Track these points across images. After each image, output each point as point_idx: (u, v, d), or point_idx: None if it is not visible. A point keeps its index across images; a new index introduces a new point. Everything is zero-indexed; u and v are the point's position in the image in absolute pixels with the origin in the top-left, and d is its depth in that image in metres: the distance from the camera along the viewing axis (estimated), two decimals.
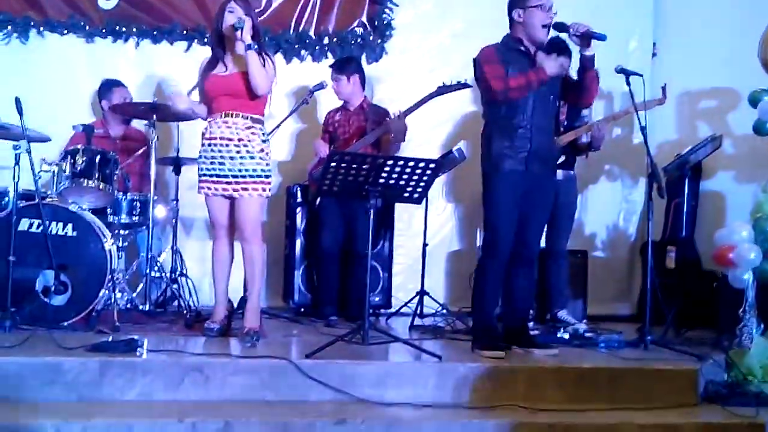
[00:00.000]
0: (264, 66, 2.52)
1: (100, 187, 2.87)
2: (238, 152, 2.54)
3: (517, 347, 2.59)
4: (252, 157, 2.55)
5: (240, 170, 2.54)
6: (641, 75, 2.85)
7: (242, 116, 2.56)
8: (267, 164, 2.59)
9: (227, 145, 2.55)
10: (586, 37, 2.44)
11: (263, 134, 2.62)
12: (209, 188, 2.60)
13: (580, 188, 3.54)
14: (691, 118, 3.84)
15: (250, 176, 2.55)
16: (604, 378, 2.40)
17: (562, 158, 3.24)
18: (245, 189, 2.55)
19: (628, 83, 2.83)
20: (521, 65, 2.50)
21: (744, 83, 3.14)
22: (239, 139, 2.55)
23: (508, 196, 2.53)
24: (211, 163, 2.58)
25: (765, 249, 2.56)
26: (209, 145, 2.58)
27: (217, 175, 2.57)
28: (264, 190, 2.57)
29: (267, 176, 2.58)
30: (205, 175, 2.60)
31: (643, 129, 2.84)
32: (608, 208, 4.07)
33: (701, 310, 3.24)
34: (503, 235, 2.55)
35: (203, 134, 2.62)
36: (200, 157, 2.62)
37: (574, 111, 3.31)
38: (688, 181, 3.57)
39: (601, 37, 2.43)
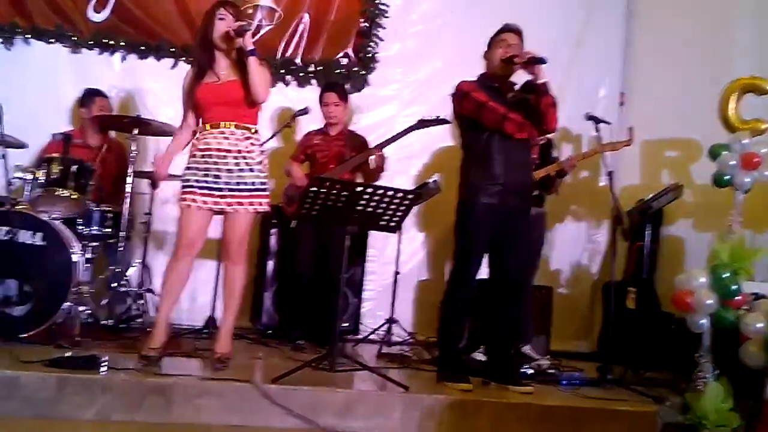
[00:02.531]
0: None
1: (73, 196, 2.83)
2: (236, 165, 2.42)
3: (495, 382, 2.62)
4: (251, 170, 2.44)
5: (238, 183, 2.42)
6: (609, 123, 3.02)
7: (239, 126, 2.45)
8: (265, 176, 2.48)
9: (225, 157, 2.42)
10: (530, 62, 2.55)
11: (261, 145, 2.53)
12: (195, 200, 2.42)
13: (547, 226, 3.66)
14: (654, 166, 4.02)
15: (248, 190, 2.43)
16: (566, 416, 2.45)
17: (534, 193, 3.35)
18: (240, 203, 2.43)
19: (597, 129, 2.98)
20: (497, 98, 2.62)
21: (706, 136, 3.32)
22: (238, 151, 2.43)
23: (479, 227, 2.59)
24: (204, 175, 2.42)
25: (721, 296, 2.67)
26: (203, 156, 2.43)
27: (210, 188, 2.41)
28: (261, 203, 2.45)
29: (265, 189, 2.47)
30: (193, 186, 2.42)
31: (609, 173, 2.98)
32: (573, 247, 4.19)
33: (659, 351, 3.34)
34: (472, 266, 2.60)
35: (194, 144, 2.48)
36: (189, 168, 2.46)
37: (544, 150, 3.44)
38: (650, 225, 3.72)
39: (541, 60, 2.53)
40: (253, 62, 2.42)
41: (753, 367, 2.59)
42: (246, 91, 2.44)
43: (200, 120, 2.51)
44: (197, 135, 2.50)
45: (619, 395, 2.69)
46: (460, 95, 2.65)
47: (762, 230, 3.27)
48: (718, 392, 2.60)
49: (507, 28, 2.67)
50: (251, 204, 2.45)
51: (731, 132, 3.13)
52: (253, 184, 2.44)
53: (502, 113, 2.58)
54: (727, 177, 3.07)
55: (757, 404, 2.19)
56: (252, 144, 2.47)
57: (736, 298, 2.67)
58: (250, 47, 2.42)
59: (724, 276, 2.69)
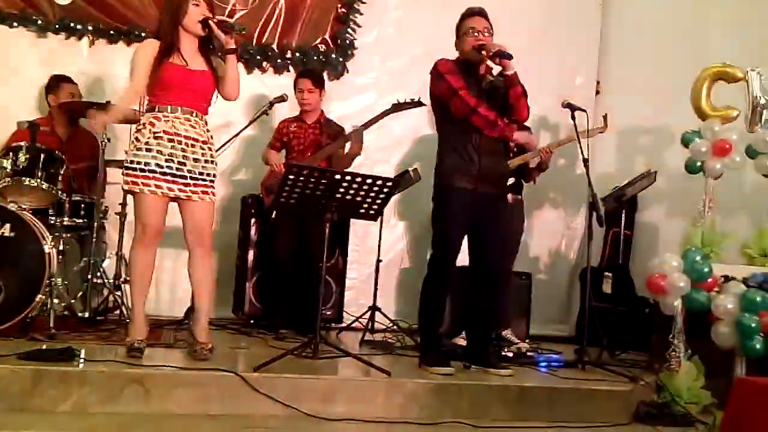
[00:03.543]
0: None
1: (43, 186, 2.75)
2: (203, 154, 2.40)
3: (475, 366, 2.65)
4: (213, 162, 2.45)
5: (201, 173, 2.39)
6: (585, 110, 3.06)
7: (203, 117, 2.44)
8: (217, 170, 2.49)
9: (193, 146, 2.38)
10: (497, 56, 2.57)
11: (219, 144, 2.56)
12: (158, 186, 2.32)
13: (526, 213, 3.70)
14: (629, 153, 4.10)
15: (211, 180, 2.43)
16: (544, 397, 2.50)
17: (511, 180, 3.39)
18: (205, 192, 2.41)
19: (573, 117, 3.02)
20: (472, 87, 2.62)
21: (678, 124, 3.40)
22: (204, 141, 2.41)
23: (456, 213, 2.60)
24: (166, 160, 2.33)
25: (693, 279, 2.76)
26: (170, 140, 2.34)
27: (173, 174, 2.34)
28: (214, 194, 2.47)
29: (214, 182, 2.47)
30: (153, 171, 2.31)
31: (585, 161, 3.03)
32: (551, 234, 4.25)
33: (634, 333, 3.43)
34: (449, 251, 2.61)
35: (153, 124, 2.34)
36: (147, 150, 2.32)
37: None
38: (624, 212, 3.80)
39: (507, 56, 2.56)
40: (232, 60, 2.41)
41: (723, 347, 2.68)
42: (217, 84, 2.42)
43: (156, 99, 2.40)
44: (156, 114, 2.37)
45: (595, 376, 2.76)
46: (437, 75, 2.64)
47: (732, 215, 3.37)
48: (691, 371, 2.69)
49: (471, 12, 2.66)
50: (213, 194, 2.45)
51: (703, 119, 3.21)
52: (213, 175, 2.45)
53: (472, 106, 2.56)
54: (698, 163, 3.15)
55: (728, 382, 2.27)
56: (212, 137, 2.48)
57: (708, 280, 2.76)
58: (232, 46, 2.40)
59: (695, 259, 2.78)
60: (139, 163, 2.33)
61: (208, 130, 2.46)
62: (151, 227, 2.37)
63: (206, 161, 2.42)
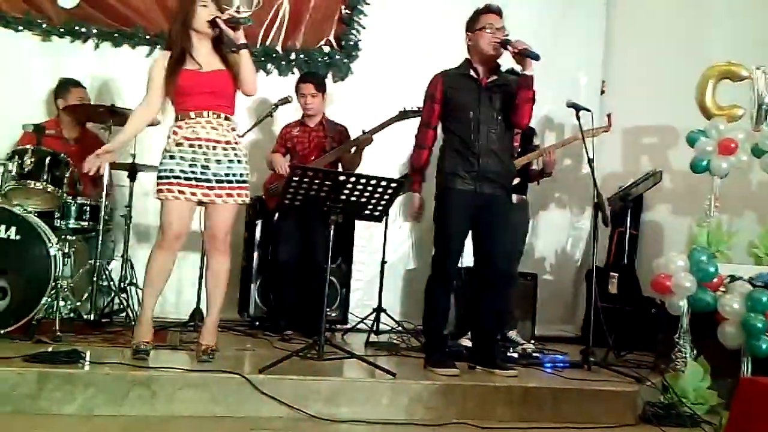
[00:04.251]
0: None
1: (48, 189, 2.77)
2: (226, 155, 2.40)
3: (480, 367, 2.65)
4: (239, 161, 2.42)
5: (226, 174, 2.39)
6: (590, 110, 3.06)
7: (225, 117, 2.42)
8: (248, 168, 2.47)
9: (215, 148, 2.38)
10: (522, 55, 2.56)
11: (241, 137, 2.53)
12: (183, 192, 2.35)
13: (531, 214, 3.69)
14: (634, 153, 4.09)
15: (237, 181, 2.41)
16: (549, 397, 2.49)
17: (516, 180, 3.38)
18: (230, 195, 2.40)
19: (578, 117, 3.02)
20: (468, 90, 2.63)
21: (683, 122, 3.38)
22: (227, 142, 2.41)
23: (456, 214, 2.60)
24: (190, 165, 2.36)
25: (699, 278, 2.74)
26: (191, 146, 2.37)
27: (197, 179, 2.36)
28: (246, 195, 2.43)
29: (247, 181, 2.45)
30: (179, 177, 2.35)
31: (590, 161, 3.02)
32: (557, 234, 4.24)
33: (640, 334, 3.42)
34: (450, 250, 2.61)
35: (176, 132, 2.39)
36: (172, 157, 2.37)
37: (525, 138, 3.46)
38: (630, 211, 3.79)
39: (534, 56, 2.55)
40: (246, 56, 2.41)
41: (730, 347, 2.67)
42: (235, 82, 2.43)
43: (178, 107, 2.44)
44: (179, 122, 2.42)
45: (601, 376, 2.75)
46: (425, 94, 2.71)
47: (739, 214, 3.35)
48: (697, 372, 2.68)
49: (489, 9, 2.65)
50: (239, 195, 2.43)
51: (708, 118, 3.19)
52: (241, 175, 2.43)
53: (417, 143, 2.71)
54: (704, 163, 3.14)
55: (734, 382, 2.26)
56: (238, 135, 2.48)
57: (713, 280, 2.74)
58: (243, 41, 2.41)
59: (701, 259, 2.76)
60: (164, 170, 2.39)
61: (233, 129, 2.45)
62: (172, 231, 2.37)
63: (230, 161, 2.41)
